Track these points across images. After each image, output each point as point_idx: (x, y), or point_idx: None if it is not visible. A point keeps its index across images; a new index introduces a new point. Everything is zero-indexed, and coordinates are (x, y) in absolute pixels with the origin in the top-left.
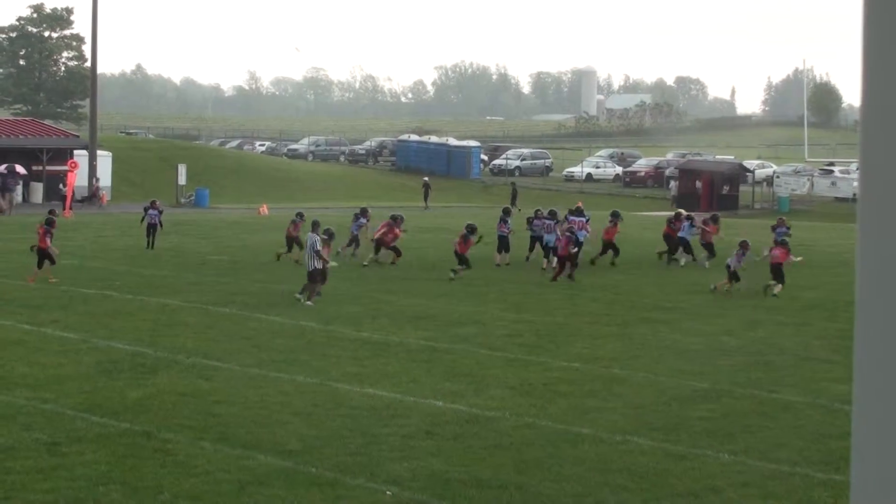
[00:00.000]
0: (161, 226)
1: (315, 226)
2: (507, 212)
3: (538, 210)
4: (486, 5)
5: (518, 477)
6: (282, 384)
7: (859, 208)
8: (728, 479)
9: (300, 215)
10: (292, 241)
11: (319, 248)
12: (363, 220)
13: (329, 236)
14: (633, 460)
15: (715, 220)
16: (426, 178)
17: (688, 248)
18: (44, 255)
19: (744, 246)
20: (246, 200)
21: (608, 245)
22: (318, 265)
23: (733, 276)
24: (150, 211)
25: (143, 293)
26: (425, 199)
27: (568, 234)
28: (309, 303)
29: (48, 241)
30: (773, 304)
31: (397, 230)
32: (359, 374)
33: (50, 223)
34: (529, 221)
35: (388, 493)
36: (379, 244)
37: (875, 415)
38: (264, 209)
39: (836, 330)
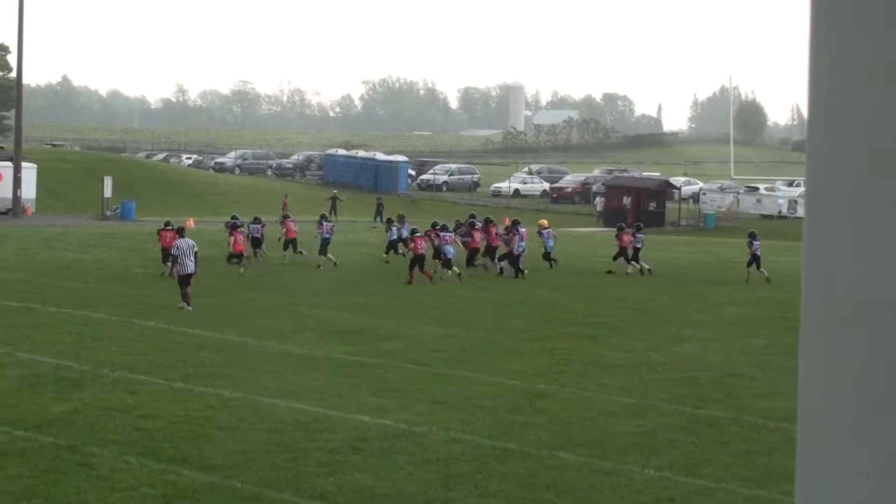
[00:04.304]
0: (263, 238)
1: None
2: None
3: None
4: (414, 20)
5: (445, 492)
6: (207, 398)
7: (805, 222)
8: (654, 495)
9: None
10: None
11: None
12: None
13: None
14: (559, 476)
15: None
16: (335, 192)
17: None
18: None
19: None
20: (172, 213)
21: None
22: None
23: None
24: (252, 225)
25: (68, 306)
26: (334, 212)
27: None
28: None
29: None
30: (698, 320)
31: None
32: (284, 388)
33: None
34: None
35: None
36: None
37: (820, 432)
38: (191, 222)
39: (760, 346)
